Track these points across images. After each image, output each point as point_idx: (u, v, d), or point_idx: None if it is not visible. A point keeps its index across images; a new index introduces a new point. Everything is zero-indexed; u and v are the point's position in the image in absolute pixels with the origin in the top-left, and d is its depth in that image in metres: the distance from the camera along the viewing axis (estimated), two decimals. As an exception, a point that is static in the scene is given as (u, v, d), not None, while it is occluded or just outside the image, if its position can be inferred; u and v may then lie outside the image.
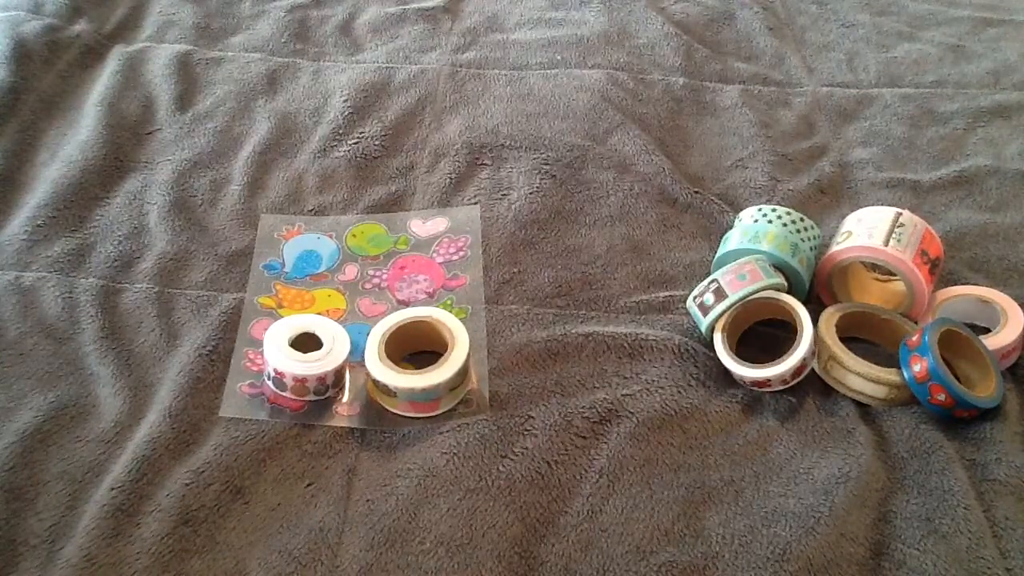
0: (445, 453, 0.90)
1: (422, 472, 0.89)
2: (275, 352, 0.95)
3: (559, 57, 1.42)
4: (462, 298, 1.07)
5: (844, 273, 1.05)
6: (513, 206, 1.17)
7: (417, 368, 0.94)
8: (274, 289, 1.08)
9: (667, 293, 1.08)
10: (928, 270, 1.00)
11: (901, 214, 1.02)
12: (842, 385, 0.96)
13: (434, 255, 1.12)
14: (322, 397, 0.96)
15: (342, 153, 1.25)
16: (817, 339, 0.97)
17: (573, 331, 1.02)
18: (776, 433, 0.93)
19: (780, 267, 1.02)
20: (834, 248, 1.03)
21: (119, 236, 1.12)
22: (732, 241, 1.06)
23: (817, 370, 0.98)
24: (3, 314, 1.02)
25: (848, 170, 1.25)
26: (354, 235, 1.15)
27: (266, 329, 0.98)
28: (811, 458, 0.90)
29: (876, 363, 0.95)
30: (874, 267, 1.08)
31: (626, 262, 1.12)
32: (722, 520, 0.86)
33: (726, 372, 0.99)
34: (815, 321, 0.98)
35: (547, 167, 1.22)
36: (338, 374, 0.96)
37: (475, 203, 1.18)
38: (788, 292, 1.01)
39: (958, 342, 0.96)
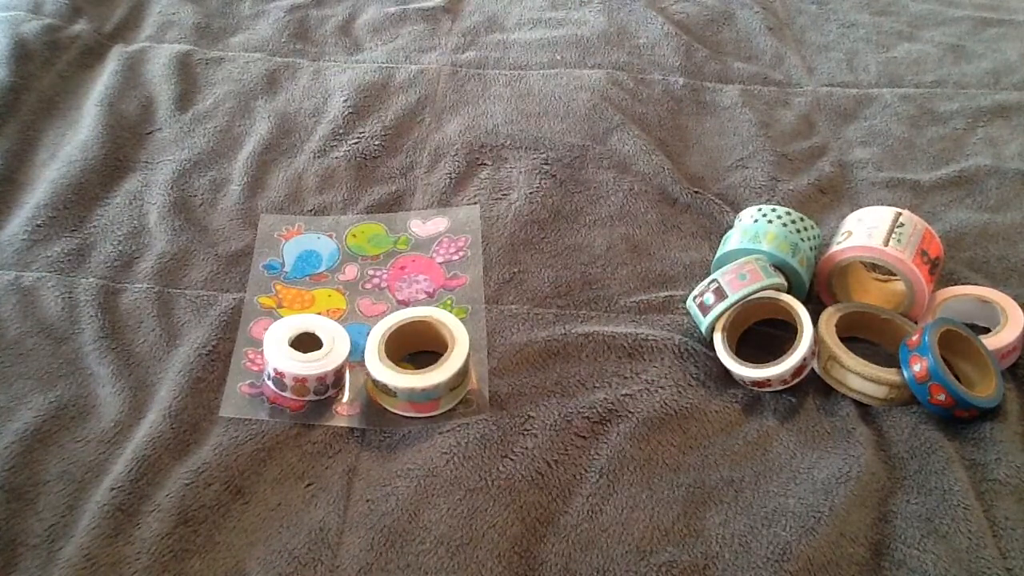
0: (445, 453, 0.90)
1: (422, 472, 0.89)
2: (275, 352, 0.95)
3: (559, 57, 1.42)
4: (462, 298, 1.07)
5: (844, 273, 1.05)
6: (513, 206, 1.17)
7: (417, 368, 0.94)
8: (274, 289, 1.08)
9: (667, 293, 1.08)
10: (928, 270, 1.00)
11: (901, 214, 1.02)
12: (842, 385, 0.96)
13: (434, 255, 1.12)
14: (322, 397, 0.96)
15: (342, 153, 1.25)
16: (817, 339, 0.97)
17: (573, 331, 1.02)
18: (776, 433, 0.93)
19: (780, 267, 1.02)
20: (834, 248, 1.03)
21: (119, 236, 1.12)
22: (732, 241, 1.06)
23: (817, 370, 0.98)
24: (3, 314, 1.02)
25: (848, 170, 1.25)
26: (354, 235, 1.15)
27: (266, 329, 0.98)
28: (811, 458, 0.90)
29: (876, 363, 0.95)
30: (874, 267, 1.08)
31: (626, 262, 1.12)
32: (722, 520, 0.86)
33: (726, 372, 0.99)
34: (815, 321, 0.98)
35: (547, 167, 1.22)
36: (338, 374, 0.96)
37: (475, 203, 1.18)
38: (788, 292, 1.01)
39: (958, 342, 0.96)
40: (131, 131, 1.27)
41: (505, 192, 1.19)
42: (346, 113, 1.30)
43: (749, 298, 0.98)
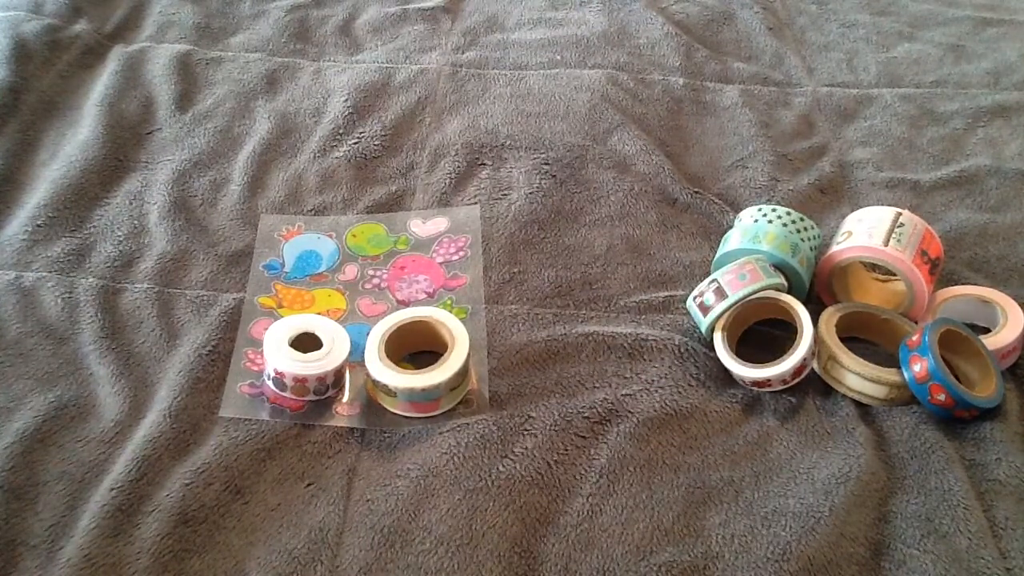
0: (445, 453, 0.90)
1: (422, 472, 0.89)
2: (275, 352, 0.95)
3: (559, 57, 1.42)
4: (462, 298, 1.07)
5: (844, 273, 1.05)
6: (513, 206, 1.17)
7: (417, 368, 0.94)
8: (274, 289, 1.08)
9: (667, 293, 1.08)
10: (928, 270, 1.00)
11: (901, 214, 1.02)
12: (842, 385, 0.96)
13: (434, 255, 1.12)
14: (322, 397, 0.96)
15: (342, 153, 1.25)
16: (817, 339, 0.97)
17: (573, 331, 1.02)
18: (776, 433, 0.93)
19: (780, 267, 1.02)
20: (834, 248, 1.03)
21: (119, 236, 1.12)
22: (732, 241, 1.06)
23: (817, 370, 0.98)
24: (3, 314, 1.02)
25: (848, 170, 1.25)
26: (354, 235, 1.15)
27: (266, 329, 0.98)
28: (811, 458, 0.90)
29: (876, 363, 0.95)
30: (874, 267, 1.08)
31: (626, 262, 1.12)
32: (722, 520, 0.86)
33: (726, 372, 0.99)
34: (815, 321, 0.98)
35: (547, 167, 1.22)
36: (338, 374, 0.96)
37: (475, 203, 1.18)
38: (788, 292, 1.01)
39: (958, 342, 0.96)
40: (131, 131, 1.27)
41: (505, 192, 1.19)
42: (346, 113, 1.30)
43: (749, 298, 0.98)
